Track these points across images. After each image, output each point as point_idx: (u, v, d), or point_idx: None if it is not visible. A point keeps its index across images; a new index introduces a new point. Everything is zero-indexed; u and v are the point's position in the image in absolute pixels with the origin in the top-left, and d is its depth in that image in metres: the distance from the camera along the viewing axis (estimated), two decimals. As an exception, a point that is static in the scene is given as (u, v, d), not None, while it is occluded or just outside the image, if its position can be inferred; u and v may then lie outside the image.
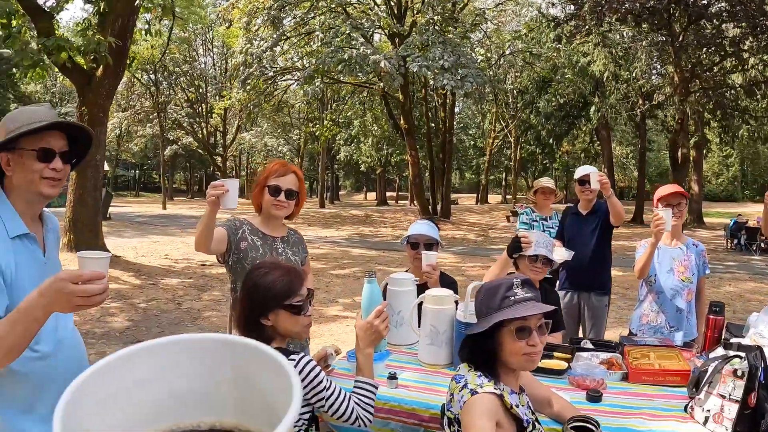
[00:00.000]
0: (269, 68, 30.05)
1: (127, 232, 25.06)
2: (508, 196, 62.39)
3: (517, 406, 2.56)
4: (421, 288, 4.28)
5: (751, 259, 21.39)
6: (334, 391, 2.71)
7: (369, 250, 21.00)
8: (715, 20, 27.08)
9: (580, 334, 6.07)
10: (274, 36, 28.07)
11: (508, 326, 2.55)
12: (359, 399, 2.84)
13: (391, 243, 23.99)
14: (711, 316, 3.99)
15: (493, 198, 70.69)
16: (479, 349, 2.64)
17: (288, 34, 30.25)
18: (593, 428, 2.62)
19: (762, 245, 22.72)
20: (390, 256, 19.13)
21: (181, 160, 76.84)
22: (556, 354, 3.93)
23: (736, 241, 24.45)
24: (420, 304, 3.96)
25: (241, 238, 3.89)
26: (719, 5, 27.44)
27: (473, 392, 2.49)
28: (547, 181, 7.40)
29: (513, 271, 4.54)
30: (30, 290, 2.17)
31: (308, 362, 2.67)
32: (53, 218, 2.84)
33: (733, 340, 3.16)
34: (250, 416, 0.68)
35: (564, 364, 3.74)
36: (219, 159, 53.75)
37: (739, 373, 2.88)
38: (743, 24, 26.29)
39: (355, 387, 2.91)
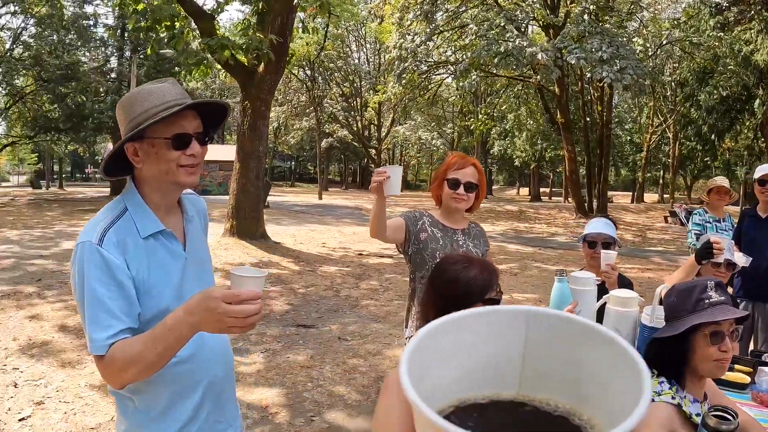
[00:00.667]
0: (423, 63, 30.04)
1: (285, 220, 25.69)
2: (665, 196, 60.35)
3: (698, 415, 2.47)
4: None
5: None
6: None
7: (525, 247, 20.61)
8: None
9: (751, 347, 5.62)
10: (427, 30, 28.13)
11: (702, 330, 2.50)
12: None
13: (547, 240, 23.49)
14: None
15: (649, 197, 68.55)
16: (668, 353, 2.56)
17: (441, 29, 30.19)
18: (731, 418, 2.38)
19: None
20: (546, 254, 18.70)
21: (336, 152, 78.91)
22: (737, 366, 3.73)
23: None
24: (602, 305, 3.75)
25: (421, 229, 3.83)
26: None
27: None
28: (722, 180, 6.94)
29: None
30: (167, 292, 2.16)
31: None
32: (198, 200, 2.64)
33: None
34: (540, 385, 0.60)
35: (746, 378, 3.56)
36: (373, 151, 54.75)
37: None
38: None
39: None
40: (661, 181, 66.03)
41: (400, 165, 4.24)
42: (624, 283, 4.19)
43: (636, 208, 44.53)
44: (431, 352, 0.59)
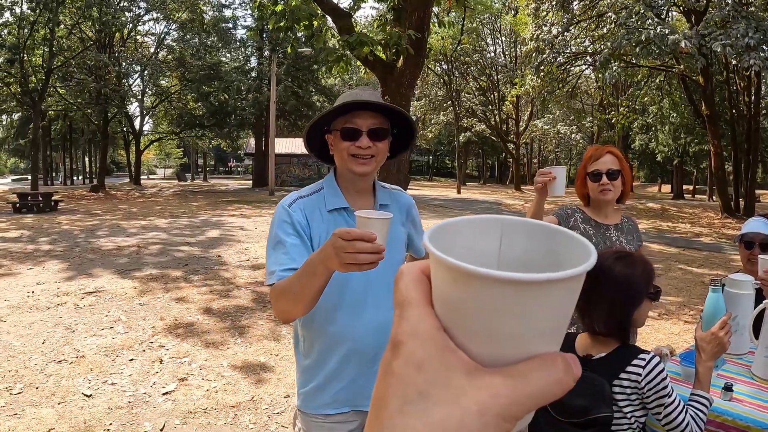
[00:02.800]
0: (561, 54, 29.39)
1: (425, 213, 26.04)
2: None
3: None
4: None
5: None
6: (674, 400, 2.62)
7: (668, 247, 19.85)
8: None
9: None
10: (564, 20, 27.55)
11: None
12: (695, 412, 2.72)
13: (691, 240, 22.43)
14: None
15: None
16: None
17: (578, 18, 29.54)
18: None
19: None
20: (690, 255, 17.88)
21: (474, 147, 79.78)
22: None
23: None
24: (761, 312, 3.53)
25: (573, 226, 3.84)
26: None
27: None
28: None
29: None
30: None
31: (658, 363, 2.61)
32: (401, 195, 2.99)
33: None
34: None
35: None
36: (511, 146, 54.78)
37: None
38: None
39: (690, 399, 2.80)
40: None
41: (563, 165, 3.94)
42: None
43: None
44: (440, 242, 0.60)
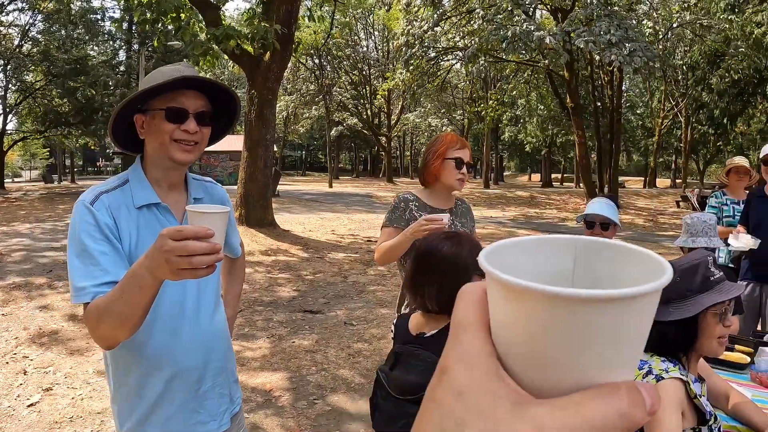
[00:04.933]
0: (431, 48, 30.04)
1: (296, 208, 26.10)
2: (677, 180, 60.13)
3: (701, 396, 2.45)
4: None
5: None
6: None
7: (535, 231, 20.65)
8: None
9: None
10: (435, 16, 28.14)
11: (711, 309, 2.46)
12: None
13: (558, 225, 23.66)
14: None
15: (662, 182, 68.56)
16: (673, 335, 2.49)
17: (448, 14, 30.21)
18: None
19: None
20: None
21: (346, 141, 79.62)
22: (737, 347, 3.75)
23: None
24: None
25: (410, 218, 3.75)
26: None
27: (659, 378, 2.37)
28: (741, 160, 6.74)
29: None
30: None
31: None
32: (215, 188, 2.70)
33: None
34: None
35: (746, 358, 3.56)
36: (383, 139, 54.87)
37: None
38: None
39: None
40: (673, 165, 65.78)
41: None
42: None
43: (648, 193, 44.54)
44: (499, 261, 0.57)
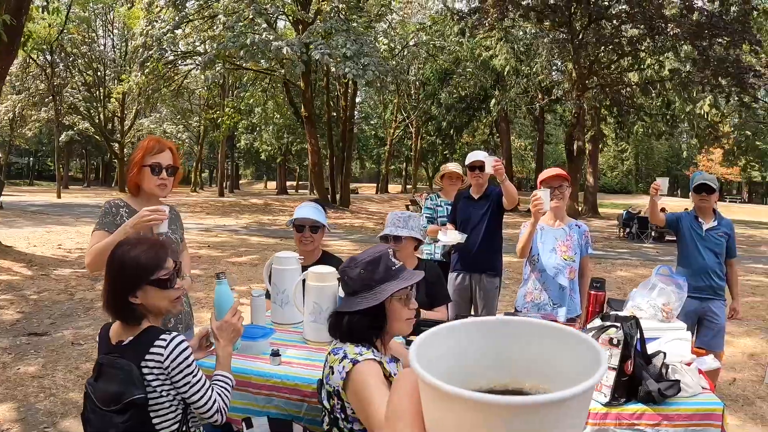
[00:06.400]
0: (169, 51, 29.54)
1: (20, 221, 24.31)
2: (408, 186, 62.80)
3: (395, 375, 2.60)
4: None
5: (642, 246, 23.40)
6: (200, 379, 2.68)
7: (267, 238, 20.98)
8: (614, 20, 28.06)
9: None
10: (176, 18, 27.68)
11: (397, 294, 2.64)
12: (221, 390, 2.83)
13: (290, 231, 23.78)
14: (592, 292, 4.16)
15: (394, 188, 71.32)
16: (363, 322, 2.66)
17: (191, 17, 29.84)
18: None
19: (653, 234, 24.60)
20: (288, 244, 18.64)
21: (78, 147, 73.95)
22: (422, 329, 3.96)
23: (628, 230, 26.55)
24: (304, 282, 3.88)
25: (121, 224, 3.59)
26: (620, 7, 28.46)
27: (354, 362, 2.51)
28: (453, 166, 7.42)
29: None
30: None
31: (180, 342, 2.63)
32: None
33: (611, 313, 3.28)
34: (526, 376, 0.69)
35: None
36: (116, 146, 52.55)
37: (615, 341, 2.99)
38: (641, 26, 27.39)
39: (215, 379, 2.88)
40: (404, 172, 68.65)
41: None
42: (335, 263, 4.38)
43: (380, 198, 46.18)
44: (431, 351, 0.65)
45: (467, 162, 6.20)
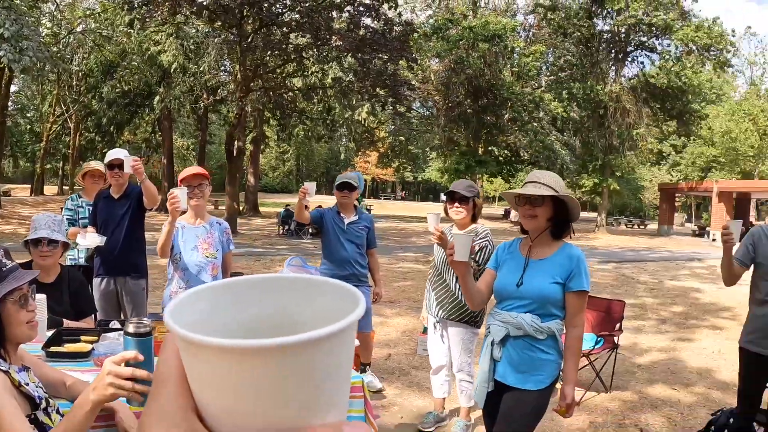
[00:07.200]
0: None
1: None
2: (65, 187, 59.97)
3: (27, 384, 2.45)
4: None
5: (301, 242, 25.69)
6: None
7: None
8: (284, 28, 28.96)
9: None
10: None
11: (11, 297, 2.49)
12: None
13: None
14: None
15: (50, 189, 67.77)
16: None
17: None
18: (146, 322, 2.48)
19: (310, 231, 26.57)
20: None
21: None
22: (83, 338, 3.93)
23: (287, 228, 28.92)
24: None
25: None
26: (291, 15, 29.66)
27: None
28: (96, 164, 7.20)
29: None
30: None
31: None
32: None
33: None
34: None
35: (89, 347, 3.74)
36: None
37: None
38: (308, 35, 28.90)
39: None
40: (61, 172, 65.48)
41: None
42: None
43: (34, 200, 43.96)
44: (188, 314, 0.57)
45: (106, 160, 6.10)
